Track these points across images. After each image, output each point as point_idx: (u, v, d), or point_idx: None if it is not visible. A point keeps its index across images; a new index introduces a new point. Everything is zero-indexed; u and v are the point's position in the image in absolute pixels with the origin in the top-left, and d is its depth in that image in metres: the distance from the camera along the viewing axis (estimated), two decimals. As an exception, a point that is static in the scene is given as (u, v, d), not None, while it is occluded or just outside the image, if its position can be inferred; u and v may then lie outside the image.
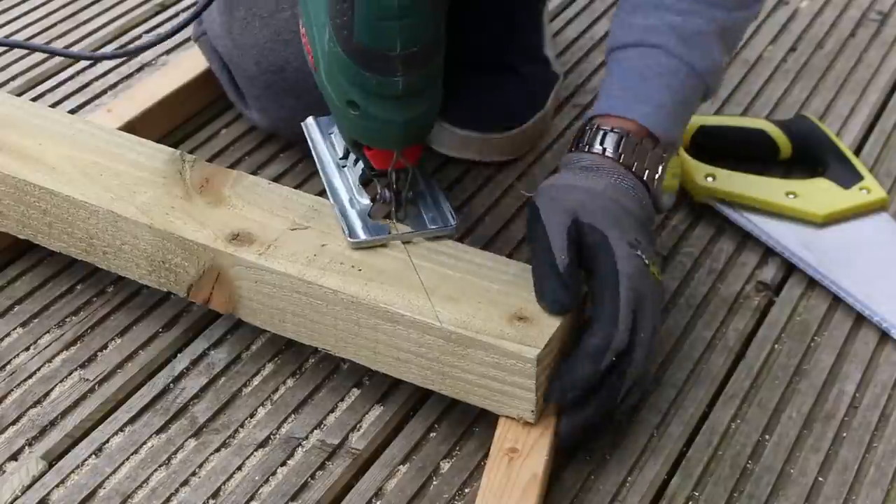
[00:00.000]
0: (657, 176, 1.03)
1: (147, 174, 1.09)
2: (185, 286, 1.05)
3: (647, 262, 0.96)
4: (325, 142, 1.12)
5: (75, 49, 1.48)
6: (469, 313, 0.96)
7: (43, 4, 1.56)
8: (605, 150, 1.02)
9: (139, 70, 1.44)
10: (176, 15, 1.55)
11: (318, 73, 1.02)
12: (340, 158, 1.10)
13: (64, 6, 1.56)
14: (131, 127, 1.25)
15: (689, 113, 1.09)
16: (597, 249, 0.96)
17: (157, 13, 1.56)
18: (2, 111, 1.16)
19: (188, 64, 1.37)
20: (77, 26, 1.52)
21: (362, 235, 1.02)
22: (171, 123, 1.33)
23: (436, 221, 1.04)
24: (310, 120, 1.14)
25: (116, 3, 1.57)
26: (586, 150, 1.03)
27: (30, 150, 1.11)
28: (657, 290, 0.98)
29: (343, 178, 1.08)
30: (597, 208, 0.98)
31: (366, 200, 1.06)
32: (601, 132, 1.03)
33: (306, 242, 1.03)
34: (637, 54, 1.06)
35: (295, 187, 1.26)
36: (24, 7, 1.56)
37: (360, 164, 1.06)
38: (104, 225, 1.06)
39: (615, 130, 1.02)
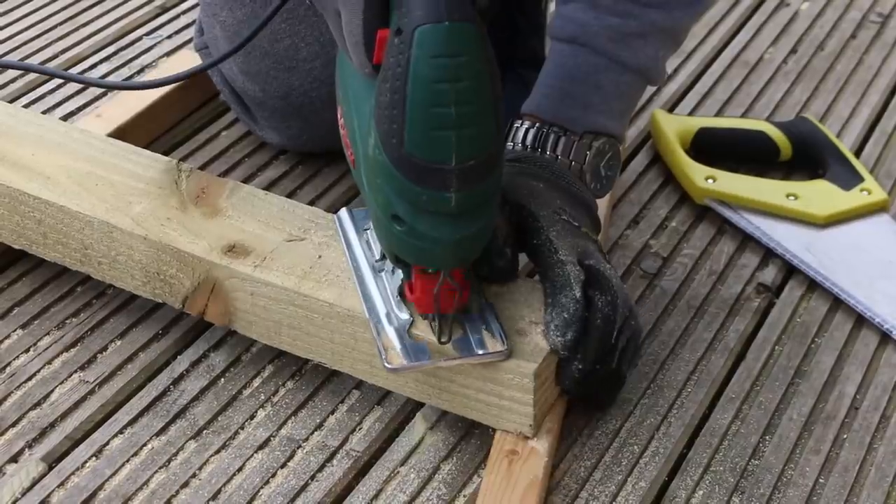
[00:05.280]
0: (584, 164, 1.05)
1: (143, 184, 1.08)
2: (181, 298, 1.04)
3: (575, 224, 0.99)
4: (359, 239, 1.01)
5: (74, 50, 1.48)
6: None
7: (44, 6, 1.56)
8: (528, 144, 1.05)
9: (140, 72, 1.44)
10: (177, 17, 1.56)
11: (358, 173, 0.94)
12: (377, 261, 0.99)
13: (65, 8, 1.56)
14: (122, 132, 1.24)
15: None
16: (524, 220, 0.98)
17: (157, 15, 1.56)
18: (-6, 119, 1.16)
19: (175, 68, 1.35)
20: (77, 28, 1.52)
21: (401, 361, 0.93)
22: (161, 127, 1.33)
23: (483, 345, 0.93)
24: (343, 212, 1.04)
25: (117, 6, 1.57)
26: (511, 146, 1.06)
27: (24, 159, 1.11)
28: (592, 241, 1.00)
29: (380, 286, 0.97)
30: (520, 187, 1.00)
31: (405, 315, 0.95)
32: (531, 130, 1.05)
33: (302, 254, 1.02)
34: (570, 51, 1.07)
35: (295, 189, 1.27)
36: (25, 9, 1.56)
37: (400, 273, 0.95)
38: (99, 236, 1.05)
39: (540, 128, 1.05)
